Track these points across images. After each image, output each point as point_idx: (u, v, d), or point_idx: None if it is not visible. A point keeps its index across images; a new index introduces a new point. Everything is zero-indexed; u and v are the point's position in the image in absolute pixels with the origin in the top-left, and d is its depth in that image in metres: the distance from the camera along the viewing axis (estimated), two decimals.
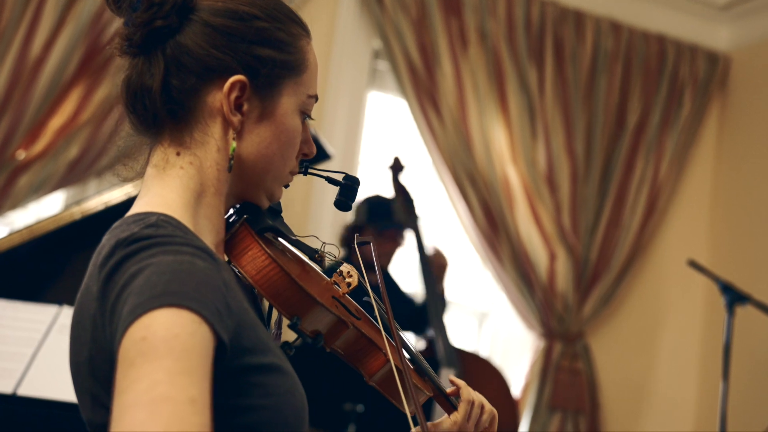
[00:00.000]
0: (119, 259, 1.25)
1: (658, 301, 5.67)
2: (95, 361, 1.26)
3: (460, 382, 1.73)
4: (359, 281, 1.54)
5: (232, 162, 1.40)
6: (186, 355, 1.13)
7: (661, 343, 5.64)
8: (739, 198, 5.67)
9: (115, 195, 3.00)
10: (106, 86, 4.35)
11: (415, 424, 1.52)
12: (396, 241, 4.48)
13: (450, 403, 1.72)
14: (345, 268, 1.54)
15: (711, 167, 5.86)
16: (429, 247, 4.62)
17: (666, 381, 5.60)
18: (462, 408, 1.72)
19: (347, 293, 1.53)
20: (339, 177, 1.60)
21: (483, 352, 5.08)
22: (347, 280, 1.52)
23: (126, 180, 1.51)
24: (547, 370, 5.18)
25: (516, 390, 5.10)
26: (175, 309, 1.16)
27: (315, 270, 1.48)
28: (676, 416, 5.54)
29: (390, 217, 4.48)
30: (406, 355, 1.65)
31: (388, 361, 1.53)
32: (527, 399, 5.14)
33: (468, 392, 1.74)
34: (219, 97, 1.40)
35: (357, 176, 1.62)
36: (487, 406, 1.74)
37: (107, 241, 1.32)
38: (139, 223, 1.31)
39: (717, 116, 5.90)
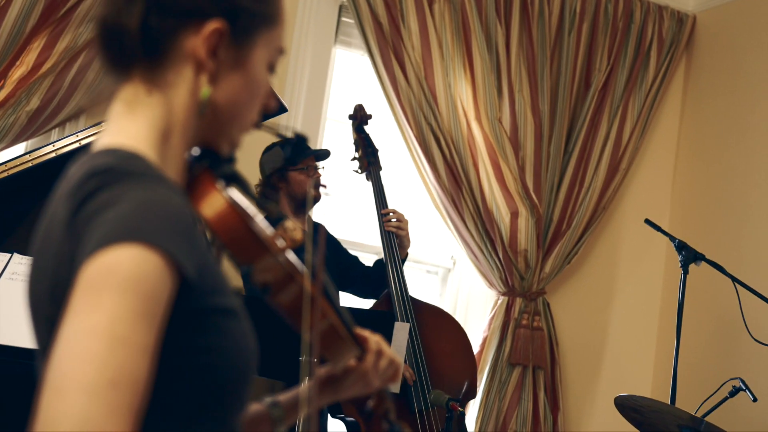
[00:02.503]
0: (93, 188, 1.26)
1: (619, 260, 5.72)
2: (58, 287, 1.27)
3: (366, 333, 1.76)
4: (302, 238, 1.54)
5: (204, 106, 1.41)
6: (151, 300, 1.17)
7: (621, 302, 5.70)
8: (702, 159, 5.72)
9: (67, 142, 3.00)
10: (68, 36, 4.33)
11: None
12: (317, 171, 4.44)
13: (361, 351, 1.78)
14: (289, 223, 1.54)
15: (675, 128, 5.90)
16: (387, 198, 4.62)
17: (625, 338, 5.67)
18: (368, 356, 1.77)
19: (290, 248, 1.54)
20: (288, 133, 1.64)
21: (444, 308, 5.11)
22: (291, 235, 1.52)
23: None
24: (507, 326, 5.23)
25: (476, 346, 5.15)
26: (148, 246, 1.19)
27: (264, 222, 1.49)
28: (634, 373, 5.61)
29: (303, 149, 4.43)
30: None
31: (324, 318, 1.56)
32: (487, 355, 5.19)
33: (373, 341, 1.78)
34: (195, 41, 1.39)
35: (304, 133, 1.63)
36: (389, 354, 1.78)
37: (77, 170, 1.33)
38: (113, 154, 1.32)
39: (682, 77, 5.93)
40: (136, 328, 1.15)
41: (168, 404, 1.27)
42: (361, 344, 1.76)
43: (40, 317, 1.35)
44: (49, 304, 1.30)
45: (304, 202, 4.34)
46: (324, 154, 4.46)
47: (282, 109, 3.53)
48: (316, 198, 4.39)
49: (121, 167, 1.29)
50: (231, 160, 1.50)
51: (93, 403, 1.09)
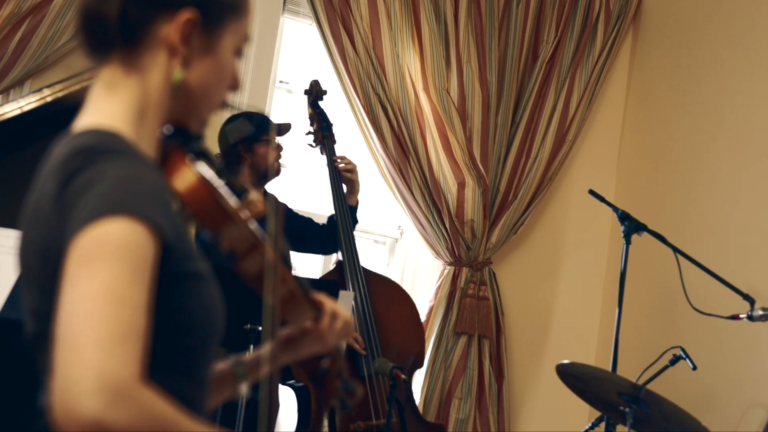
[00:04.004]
0: (78, 165, 1.39)
1: (565, 231, 5.78)
2: (49, 256, 1.40)
3: (321, 297, 1.89)
4: (264, 210, 1.63)
5: (177, 88, 1.54)
6: (142, 263, 1.32)
7: (566, 272, 5.77)
8: (648, 132, 5.78)
9: (31, 100, 2.98)
10: (12, 2, 4.29)
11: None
12: (278, 145, 4.44)
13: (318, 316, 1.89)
14: (253, 195, 1.63)
15: (621, 101, 5.96)
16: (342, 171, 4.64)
17: (570, 308, 5.73)
18: (324, 317, 1.90)
19: (253, 219, 1.62)
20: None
21: (391, 278, 5.15)
22: (254, 206, 1.61)
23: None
24: (454, 295, 5.27)
25: (422, 315, 5.18)
26: (134, 217, 1.33)
27: (229, 194, 1.58)
28: (578, 342, 5.68)
29: (267, 122, 4.44)
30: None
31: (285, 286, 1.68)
32: (433, 324, 5.23)
33: (328, 304, 1.91)
34: (170, 29, 1.52)
35: (262, 111, 1.72)
36: (343, 314, 1.91)
37: (61, 149, 1.45)
38: (95, 134, 1.45)
39: (629, 50, 5.98)
40: (134, 288, 1.29)
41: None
42: (317, 307, 1.88)
43: (31, 283, 1.47)
44: (39, 270, 1.43)
45: (265, 174, 4.35)
46: (287, 128, 4.47)
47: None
48: (278, 171, 4.40)
49: (103, 146, 1.41)
50: (200, 137, 1.63)
51: (108, 356, 1.23)
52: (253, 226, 1.58)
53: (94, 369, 1.22)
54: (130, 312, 1.28)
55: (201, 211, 1.50)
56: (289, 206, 4.63)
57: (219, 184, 1.54)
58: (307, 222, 4.63)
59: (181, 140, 1.59)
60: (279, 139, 4.44)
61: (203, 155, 1.60)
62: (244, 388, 1.85)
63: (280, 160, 4.42)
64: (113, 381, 1.23)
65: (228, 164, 4.39)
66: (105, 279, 1.28)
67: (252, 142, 4.32)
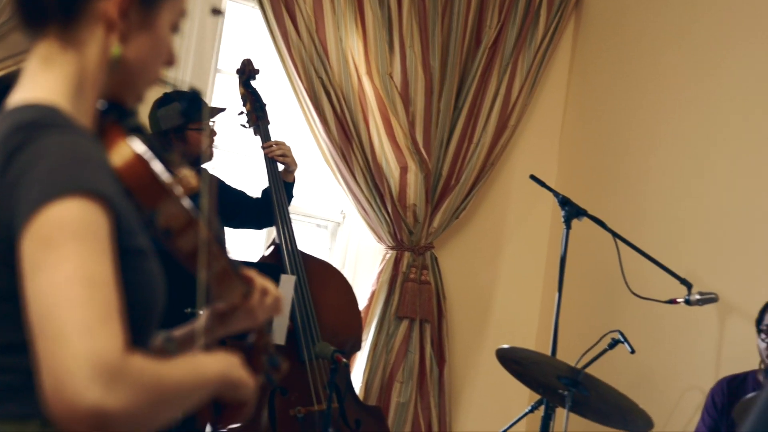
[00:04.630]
0: (20, 141, 1.37)
1: (507, 216, 5.81)
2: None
3: (251, 273, 1.89)
4: (197, 185, 1.62)
5: (114, 63, 1.53)
6: (103, 239, 1.33)
7: (508, 256, 5.80)
8: (589, 117, 5.83)
9: None
10: None
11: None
12: (212, 131, 4.40)
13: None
14: (185, 171, 1.62)
15: (563, 86, 6.00)
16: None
17: (511, 292, 5.77)
18: (255, 294, 1.91)
19: (186, 194, 1.61)
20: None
21: (334, 262, 5.14)
22: (186, 182, 1.60)
23: None
24: (396, 280, 5.28)
25: (364, 299, 5.19)
26: (87, 194, 1.32)
27: (164, 170, 1.57)
28: (519, 326, 5.73)
29: (200, 107, 4.40)
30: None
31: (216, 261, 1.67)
32: (375, 308, 5.24)
33: (258, 281, 1.91)
34: (108, 4, 1.51)
35: (198, 88, 1.73)
36: (272, 290, 1.91)
37: (0, 125, 1.43)
38: (34, 109, 1.43)
39: (571, 35, 6.01)
40: (101, 266, 1.30)
41: None
42: (247, 283, 1.88)
43: None
44: None
45: (197, 159, 4.31)
46: (220, 112, 4.42)
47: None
48: (211, 156, 4.37)
49: (43, 120, 1.40)
50: (135, 113, 1.62)
51: (95, 340, 1.24)
52: (186, 202, 1.57)
53: (84, 356, 1.22)
54: (104, 291, 1.28)
55: (138, 187, 1.49)
56: (223, 180, 4.58)
57: (154, 159, 1.53)
58: (241, 195, 4.57)
59: (116, 116, 1.58)
60: (213, 123, 4.40)
61: (138, 130, 1.58)
62: None
63: (213, 146, 4.38)
64: (106, 364, 1.23)
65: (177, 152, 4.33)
66: (72, 263, 1.28)
67: (184, 129, 4.27)
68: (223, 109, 4.42)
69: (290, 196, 4.63)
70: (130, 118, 1.58)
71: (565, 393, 3.71)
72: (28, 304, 1.29)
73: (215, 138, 4.40)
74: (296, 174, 4.65)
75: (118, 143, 1.51)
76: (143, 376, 1.28)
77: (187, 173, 1.61)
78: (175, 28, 1.64)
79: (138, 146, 1.52)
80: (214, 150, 4.40)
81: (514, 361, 3.93)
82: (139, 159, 1.49)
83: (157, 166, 1.52)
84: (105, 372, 1.23)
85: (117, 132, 1.53)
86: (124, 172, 1.48)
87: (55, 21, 1.51)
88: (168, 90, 4.15)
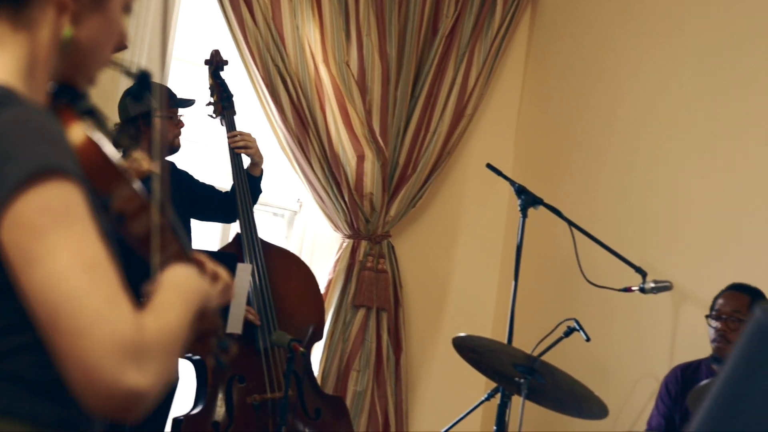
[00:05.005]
0: None
1: (463, 205, 5.83)
2: None
3: (202, 257, 1.85)
4: (149, 169, 1.60)
5: (66, 45, 1.50)
6: (86, 216, 1.31)
7: (464, 245, 5.82)
8: (545, 106, 5.85)
9: None
10: None
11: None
12: (180, 122, 4.38)
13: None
14: (137, 154, 1.60)
15: (520, 75, 6.01)
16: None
17: (467, 281, 5.79)
18: (205, 278, 1.86)
19: (137, 178, 1.59)
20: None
21: (290, 250, 5.12)
22: (138, 165, 1.58)
23: None
24: (352, 268, 5.28)
25: (321, 288, 5.18)
26: (62, 174, 1.31)
27: (116, 153, 1.56)
28: (475, 314, 5.74)
29: (173, 96, 4.38)
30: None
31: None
32: (332, 297, 5.24)
33: (209, 265, 1.88)
34: None
35: (147, 70, 1.70)
36: (223, 275, 1.85)
37: None
38: None
39: (528, 25, 6.02)
40: (94, 246, 1.30)
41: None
42: (198, 268, 1.84)
43: None
44: None
45: (165, 149, 4.27)
46: (189, 104, 4.41)
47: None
48: (178, 147, 4.35)
49: (3, 97, 1.39)
50: (86, 95, 1.60)
51: (113, 324, 1.25)
52: (138, 186, 1.55)
53: (108, 344, 1.24)
54: (104, 271, 1.28)
55: (91, 171, 1.46)
56: (191, 174, 4.57)
57: (106, 142, 1.52)
58: (208, 189, 4.58)
59: (68, 98, 1.56)
60: (182, 115, 4.37)
61: (90, 113, 1.57)
62: None
63: (180, 137, 4.36)
64: (130, 344, 1.25)
65: (129, 136, 4.31)
66: (67, 249, 1.27)
67: (153, 117, 4.25)
68: (192, 102, 4.40)
69: (258, 190, 4.62)
70: (82, 101, 1.57)
71: (522, 381, 3.73)
72: (30, 299, 1.28)
73: (182, 129, 4.37)
74: (263, 167, 4.64)
75: (71, 126, 1.49)
76: (162, 340, 1.31)
77: (139, 156, 1.59)
78: (127, 9, 1.61)
79: (89, 129, 1.51)
80: (182, 141, 4.38)
81: (471, 349, 3.94)
82: (91, 142, 1.48)
83: (109, 149, 1.51)
84: (131, 352, 1.24)
85: (69, 115, 1.52)
86: (78, 155, 1.46)
87: (5, 3, 1.49)
88: (124, 73, 4.10)
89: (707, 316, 4.19)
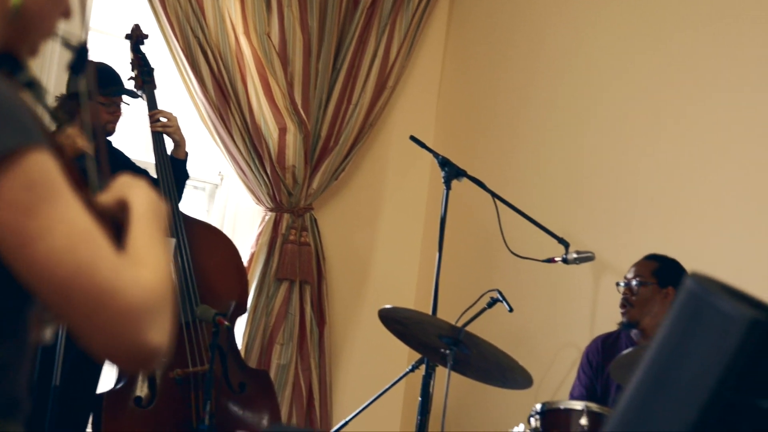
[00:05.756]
0: None
1: (385, 177, 5.83)
2: None
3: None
4: (83, 145, 1.57)
5: (15, 14, 1.46)
6: (68, 186, 1.30)
7: (387, 217, 5.82)
8: (466, 78, 5.87)
9: None
10: None
11: None
12: (120, 107, 4.35)
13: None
14: (72, 130, 1.56)
15: (440, 48, 6.01)
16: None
17: (390, 253, 5.79)
18: None
19: (72, 154, 1.55)
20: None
21: (212, 223, 5.08)
22: (72, 141, 1.55)
23: None
24: (275, 242, 5.25)
25: (243, 261, 5.14)
26: (36, 148, 1.28)
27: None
28: (398, 286, 5.75)
29: (117, 84, 4.35)
30: None
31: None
32: (255, 270, 5.21)
33: None
34: None
35: (85, 43, 1.67)
36: None
37: None
38: None
39: None
40: (82, 212, 1.29)
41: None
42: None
43: None
44: None
45: (99, 133, 4.21)
46: (133, 95, 4.37)
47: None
48: (111, 132, 4.30)
49: None
50: (27, 66, 1.55)
51: (124, 289, 1.27)
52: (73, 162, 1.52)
53: (128, 310, 1.27)
54: (98, 236, 1.29)
55: None
56: (127, 156, 4.52)
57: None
58: (143, 172, 4.52)
59: (8, 69, 1.52)
60: (127, 104, 4.35)
61: (30, 85, 1.54)
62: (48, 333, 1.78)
63: (115, 123, 4.32)
64: (145, 304, 1.28)
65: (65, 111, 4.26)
66: (63, 224, 1.27)
67: (92, 98, 4.18)
68: (137, 96, 4.37)
69: (185, 174, 4.57)
70: (22, 72, 1.53)
71: (447, 352, 3.75)
72: (34, 276, 1.27)
73: (119, 116, 4.33)
74: (188, 150, 4.59)
75: None
76: (163, 291, 1.33)
77: (74, 132, 1.56)
78: None
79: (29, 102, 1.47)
80: (114, 129, 4.35)
81: (397, 321, 3.95)
82: None
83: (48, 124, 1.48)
84: (147, 313, 1.29)
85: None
86: None
87: None
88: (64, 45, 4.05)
89: (617, 284, 4.28)
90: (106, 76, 4.31)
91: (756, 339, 1.58)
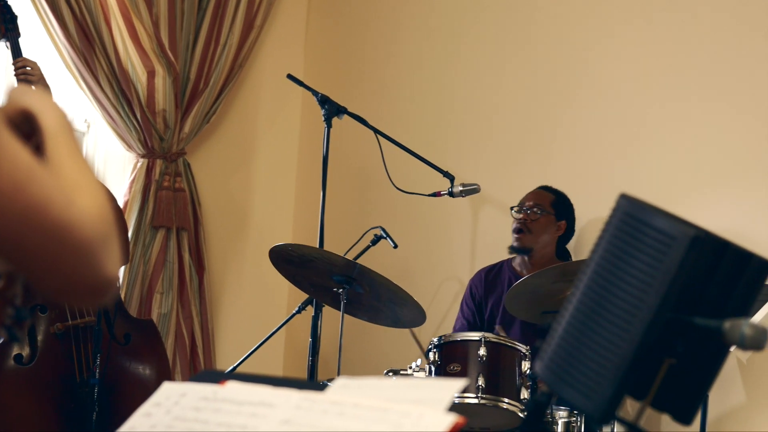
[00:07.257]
0: None
1: (257, 117, 5.74)
2: None
3: None
4: None
5: None
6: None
7: (261, 158, 5.74)
8: (333, 12, 5.80)
9: None
10: None
11: None
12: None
13: None
14: None
15: None
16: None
17: (266, 194, 5.73)
18: None
19: None
20: None
21: None
22: None
23: None
24: (149, 189, 5.12)
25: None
26: None
27: None
28: (276, 227, 5.68)
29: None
30: None
31: None
32: (129, 219, 5.07)
33: None
34: None
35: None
36: None
37: None
38: None
39: None
40: (15, 143, 1.20)
41: None
42: None
43: None
44: None
45: None
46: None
47: None
48: None
49: None
50: None
51: (80, 211, 1.21)
52: None
53: (91, 237, 1.21)
54: (34, 166, 1.20)
55: None
56: None
57: None
58: None
59: None
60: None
61: None
62: None
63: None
64: (100, 226, 1.23)
65: None
66: (13, 164, 1.18)
67: None
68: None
69: None
70: None
71: (340, 291, 3.73)
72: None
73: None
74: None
75: None
76: (109, 216, 1.27)
77: None
78: None
79: None
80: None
81: (287, 260, 3.90)
82: None
83: None
84: (106, 235, 1.24)
85: None
86: None
87: None
88: None
89: (512, 208, 4.32)
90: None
91: (695, 256, 1.60)
